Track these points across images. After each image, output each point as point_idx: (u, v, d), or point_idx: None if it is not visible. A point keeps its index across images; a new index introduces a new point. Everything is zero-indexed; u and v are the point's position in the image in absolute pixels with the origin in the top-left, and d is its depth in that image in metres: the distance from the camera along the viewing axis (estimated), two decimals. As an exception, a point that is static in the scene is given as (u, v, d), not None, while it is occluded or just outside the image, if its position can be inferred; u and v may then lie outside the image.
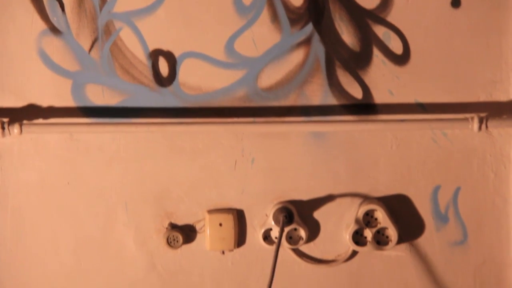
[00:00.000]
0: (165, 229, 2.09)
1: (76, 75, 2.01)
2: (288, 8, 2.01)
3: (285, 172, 2.09)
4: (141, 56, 2.01)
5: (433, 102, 2.06)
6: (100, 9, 1.99)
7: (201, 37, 2.01)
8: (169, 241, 2.08)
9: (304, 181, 2.09)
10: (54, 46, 2.00)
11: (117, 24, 2.00)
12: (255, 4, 2.00)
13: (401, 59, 2.04)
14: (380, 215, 2.08)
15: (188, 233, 2.10)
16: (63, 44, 2.00)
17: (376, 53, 2.03)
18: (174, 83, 2.03)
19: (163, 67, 2.02)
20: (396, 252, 2.13)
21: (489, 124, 2.00)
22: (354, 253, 2.14)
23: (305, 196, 2.10)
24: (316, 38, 2.02)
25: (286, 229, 2.07)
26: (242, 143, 2.07)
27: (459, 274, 2.15)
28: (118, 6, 1.99)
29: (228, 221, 2.08)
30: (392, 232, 2.09)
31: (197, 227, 2.11)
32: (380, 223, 2.09)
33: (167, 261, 2.11)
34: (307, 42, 2.02)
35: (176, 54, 2.01)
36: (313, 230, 2.12)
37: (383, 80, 2.04)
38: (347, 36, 2.02)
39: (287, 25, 2.01)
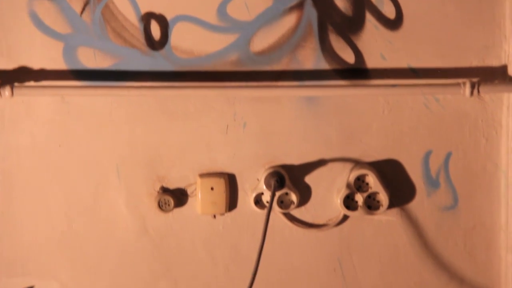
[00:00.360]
0: (156, 193, 2.14)
1: (67, 37, 2.05)
2: (281, -29, 2.05)
3: (277, 136, 2.14)
4: (133, 19, 2.05)
5: (425, 67, 2.11)
6: (92, -29, 2.03)
7: (193, 1, 2.05)
8: (160, 204, 2.13)
9: (295, 146, 2.14)
10: (45, 8, 2.03)
11: (109, -14, 2.04)
12: (247, -33, 2.05)
13: (394, 24, 2.08)
14: (371, 180, 2.14)
15: (179, 197, 2.15)
16: (55, 6, 2.03)
17: (369, 18, 2.08)
18: (166, 46, 2.07)
19: (155, 31, 2.06)
20: (387, 217, 2.20)
21: (481, 89, 2.04)
22: (345, 218, 2.20)
23: (296, 161, 2.15)
24: (309, 2, 2.07)
25: (278, 194, 2.13)
26: (234, 107, 2.12)
27: (449, 238, 2.21)
28: (109, -32, 2.03)
29: (220, 185, 2.13)
30: (383, 197, 2.15)
31: (189, 191, 2.16)
32: (371, 188, 2.15)
33: (159, 225, 2.17)
34: (299, 6, 2.07)
35: (168, 17, 2.05)
36: (304, 194, 2.18)
37: (376, 45, 2.09)
38: (340, 0, 2.07)
39: (279, -12, 2.06)
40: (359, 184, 2.16)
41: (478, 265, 2.23)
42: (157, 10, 2.05)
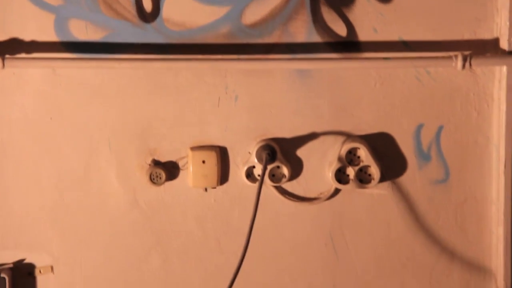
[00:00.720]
0: (148, 166, 2.19)
1: (59, 9, 2.09)
2: None
3: (268, 109, 2.19)
4: (125, -10, 2.09)
5: (417, 40, 2.16)
6: None
7: (185, -28, 2.09)
8: (152, 177, 2.18)
9: (287, 119, 2.20)
10: (37, -20, 2.07)
11: (100, -44, 2.07)
12: None
13: (386, -4, 2.13)
14: (363, 153, 2.19)
15: (171, 170, 2.20)
16: (46, -22, 2.07)
17: (361, -10, 2.13)
18: (158, 19, 2.11)
19: (147, 3, 2.10)
20: (378, 190, 2.26)
21: (472, 62, 2.09)
22: (337, 191, 2.25)
23: (288, 134, 2.21)
24: (301, -26, 2.11)
25: (269, 167, 2.17)
26: (225, 80, 2.17)
27: (440, 212, 2.27)
28: None
29: (211, 158, 2.18)
30: (374, 170, 2.20)
31: (180, 164, 2.21)
32: (362, 161, 2.20)
33: (150, 198, 2.22)
34: (291, -22, 2.11)
35: (160, -11, 2.10)
36: (296, 168, 2.23)
37: (368, 18, 2.14)
38: (332, -28, 2.11)
39: (271, -40, 2.09)
40: (351, 157, 2.21)
41: (469, 239, 2.29)
42: (148, -19, 2.09)
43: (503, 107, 2.17)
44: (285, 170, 2.19)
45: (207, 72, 2.15)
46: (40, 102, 2.14)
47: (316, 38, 2.14)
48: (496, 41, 2.15)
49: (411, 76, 2.18)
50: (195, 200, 2.23)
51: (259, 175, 2.19)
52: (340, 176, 2.21)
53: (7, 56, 2.05)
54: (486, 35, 2.16)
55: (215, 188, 2.22)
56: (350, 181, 2.20)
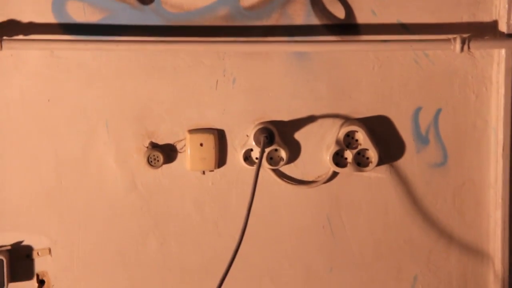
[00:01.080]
0: (145, 148, 2.21)
1: (56, -10, 2.10)
2: None
3: (266, 92, 2.20)
4: (123, -28, 2.11)
5: (415, 23, 2.17)
6: None
7: (183, -47, 2.10)
8: (149, 160, 2.19)
9: (285, 102, 2.21)
10: (35, -39, 2.08)
11: None
12: None
13: (384, -22, 2.14)
14: (361, 136, 2.21)
15: (168, 152, 2.22)
16: (44, -41, 2.08)
17: (359, -28, 2.14)
18: (156, 1, 2.12)
19: (145, -16, 2.12)
20: (376, 174, 2.28)
21: (471, 45, 2.11)
22: (335, 174, 2.27)
23: (286, 117, 2.22)
24: (299, -45, 2.12)
25: (267, 150, 2.19)
26: (223, 63, 2.18)
27: (438, 195, 2.30)
28: None
29: (209, 141, 2.20)
30: (372, 154, 2.22)
31: (178, 146, 2.23)
32: (360, 144, 2.22)
33: (148, 181, 2.23)
34: (289, -41, 2.12)
35: (158, -30, 2.11)
36: (294, 151, 2.25)
37: (366, 0, 2.16)
38: (330, -46, 2.12)
39: None
40: (349, 140, 2.23)
41: (467, 222, 2.32)
42: (146, -37, 2.11)
43: (502, 90, 2.19)
44: (283, 153, 2.21)
45: (205, 54, 2.16)
46: (37, 84, 2.15)
47: (314, 20, 2.16)
48: (495, 23, 2.17)
49: (410, 59, 2.19)
50: (193, 183, 2.24)
51: (257, 158, 2.20)
52: (338, 159, 2.23)
53: (4, 37, 2.06)
54: (485, 18, 2.18)
55: (213, 171, 2.24)
56: (348, 164, 2.22)
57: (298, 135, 2.23)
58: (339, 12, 2.16)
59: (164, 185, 2.24)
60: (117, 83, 2.17)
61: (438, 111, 2.23)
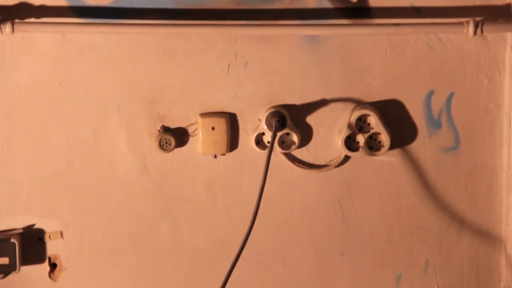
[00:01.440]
0: (157, 132, 2.21)
1: (68, -27, 2.09)
2: None
3: (278, 76, 2.20)
4: (135, -45, 2.10)
5: (428, 6, 2.17)
6: None
7: None
8: (161, 144, 2.19)
9: (297, 85, 2.21)
10: None
11: None
12: None
13: (397, -39, 2.14)
14: (373, 120, 2.21)
15: (180, 136, 2.22)
16: None
17: (372, -45, 2.13)
18: (168, -17, 2.12)
19: (157, -33, 2.11)
20: (388, 158, 2.27)
21: (484, 28, 2.10)
22: (346, 158, 2.27)
23: (298, 101, 2.22)
24: None
25: (279, 134, 2.19)
26: (235, 46, 2.18)
27: (450, 179, 2.29)
28: None
29: (221, 124, 2.20)
30: (384, 138, 2.22)
31: (190, 130, 2.23)
32: (372, 128, 2.22)
33: (159, 164, 2.24)
34: None
35: (170, -47, 2.11)
36: (306, 135, 2.25)
37: (379, -17, 2.15)
38: None
39: None
40: (361, 124, 2.22)
41: (479, 206, 2.31)
42: None
43: (515, 74, 2.18)
44: (294, 137, 2.21)
45: (217, 38, 2.16)
46: (49, 67, 2.15)
47: (326, 3, 2.16)
48: (508, 7, 2.17)
49: (422, 42, 2.19)
50: (205, 166, 2.25)
51: (268, 142, 2.20)
52: (350, 143, 2.23)
53: (16, 20, 2.06)
54: (498, 1, 2.18)
55: (224, 155, 2.24)
56: (360, 148, 2.22)
57: (310, 119, 2.23)
58: (352, -5, 2.15)
59: (176, 169, 2.24)
60: (129, 66, 2.17)
61: (451, 95, 2.23)
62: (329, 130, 2.25)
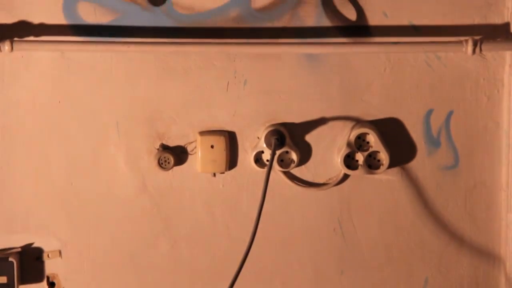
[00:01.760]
0: (156, 150, 2.20)
1: (67, -9, 2.09)
2: None
3: (277, 94, 2.20)
4: (134, -27, 2.10)
5: (427, 25, 2.16)
6: None
7: (194, -45, 2.10)
8: (160, 162, 2.18)
9: (296, 104, 2.20)
10: (46, -38, 2.07)
11: None
12: None
13: (396, -20, 2.13)
14: (372, 138, 2.20)
15: (179, 154, 2.21)
16: (55, -40, 2.08)
17: (371, -26, 2.13)
18: (167, 2, 2.12)
19: (156, -14, 2.11)
20: (387, 176, 2.26)
21: (483, 47, 2.09)
22: (346, 177, 2.26)
23: (297, 119, 2.22)
24: (311, -43, 2.12)
25: (278, 152, 2.18)
26: (234, 64, 2.18)
27: (449, 198, 2.28)
28: None
29: (220, 143, 2.19)
30: (383, 156, 2.21)
31: (189, 148, 2.22)
32: (372, 146, 2.21)
33: (158, 182, 2.23)
34: (301, -39, 2.12)
35: (169, -28, 2.11)
36: (305, 153, 2.24)
37: (377, 2, 2.15)
38: (342, -44, 2.12)
39: None
40: (360, 143, 2.22)
41: (478, 225, 2.30)
42: (158, -36, 2.11)
43: (514, 92, 2.18)
44: (293, 156, 2.21)
45: (216, 56, 2.16)
46: (48, 86, 2.15)
47: (325, 22, 2.15)
48: (506, 25, 2.17)
49: (421, 61, 2.19)
50: (204, 185, 2.24)
51: (267, 160, 2.20)
52: (349, 161, 2.22)
53: (15, 39, 2.06)
54: (496, 20, 2.17)
55: (223, 173, 2.23)
56: (359, 167, 2.21)
57: (309, 137, 2.23)
58: (351, 14, 2.15)
59: (175, 187, 2.23)
60: (128, 84, 2.16)
61: (450, 113, 2.22)
62: (328, 148, 2.24)
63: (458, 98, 2.22)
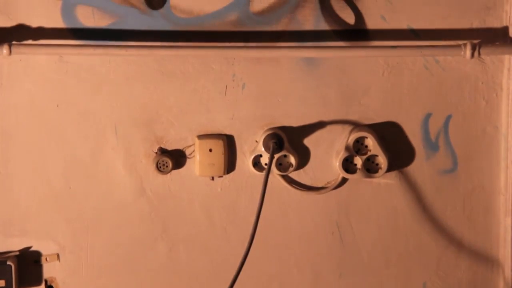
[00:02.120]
0: (154, 154, 2.19)
1: (65, -5, 2.09)
2: None
3: (276, 98, 2.19)
4: (132, -23, 2.10)
5: (426, 28, 2.16)
6: None
7: (193, -41, 2.09)
8: (158, 166, 2.18)
9: (294, 108, 2.20)
10: (44, -35, 2.07)
11: None
12: None
13: (394, -16, 2.13)
14: (371, 142, 2.19)
15: (177, 158, 2.20)
16: (53, -37, 2.07)
17: (369, -22, 2.13)
18: (165, 5, 2.11)
19: (154, -11, 2.10)
20: (386, 180, 2.26)
21: (481, 51, 2.09)
22: (344, 181, 2.25)
23: (295, 123, 2.21)
24: (309, -39, 2.11)
25: (276, 156, 2.18)
26: (233, 68, 2.17)
27: (448, 202, 2.28)
28: None
29: (218, 146, 2.19)
30: (382, 160, 2.20)
31: (187, 152, 2.21)
32: (370, 150, 2.20)
33: (156, 186, 2.22)
34: (299, -35, 2.11)
35: (167, -25, 2.10)
36: (303, 157, 2.23)
37: (376, 5, 2.14)
38: (340, -40, 2.11)
39: None
40: (358, 146, 2.21)
41: (477, 229, 2.29)
42: (156, -32, 2.10)
43: (512, 96, 2.17)
44: (292, 159, 2.20)
45: (214, 59, 2.15)
46: (46, 89, 2.14)
47: (324, 26, 2.15)
48: (505, 29, 2.16)
49: (420, 64, 2.18)
50: (202, 188, 2.23)
51: (266, 164, 2.19)
52: (348, 165, 2.21)
53: (14, 42, 2.05)
54: (495, 24, 2.17)
55: (221, 177, 2.23)
56: (358, 171, 2.21)
57: (308, 141, 2.22)
58: (349, 18, 2.15)
59: (173, 191, 2.23)
60: (126, 88, 2.16)
61: (448, 117, 2.22)
62: (327, 152, 2.24)
63: (456, 102, 2.21)
